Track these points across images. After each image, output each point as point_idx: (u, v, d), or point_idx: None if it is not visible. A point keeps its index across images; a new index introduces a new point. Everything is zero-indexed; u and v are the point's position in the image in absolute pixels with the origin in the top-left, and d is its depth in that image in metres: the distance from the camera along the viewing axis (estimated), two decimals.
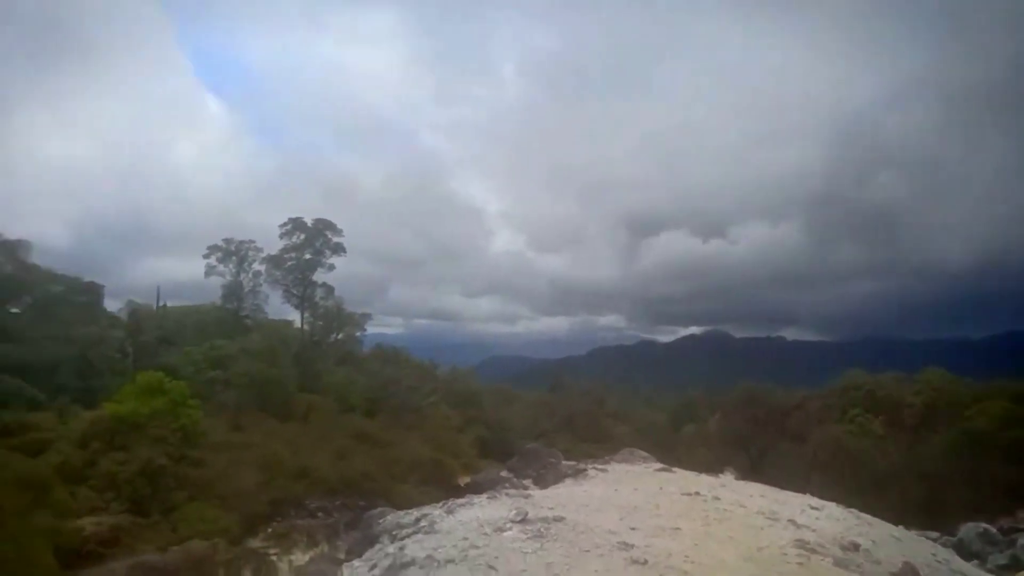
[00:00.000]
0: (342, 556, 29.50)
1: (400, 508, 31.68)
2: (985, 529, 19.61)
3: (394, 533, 12.49)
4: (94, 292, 48.43)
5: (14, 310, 44.81)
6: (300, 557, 28.97)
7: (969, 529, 19.48)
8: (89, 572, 22.07)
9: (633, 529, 11.24)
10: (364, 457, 40.81)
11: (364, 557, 11.84)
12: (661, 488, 14.75)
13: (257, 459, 34.18)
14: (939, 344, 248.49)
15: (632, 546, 10.26)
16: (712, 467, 41.79)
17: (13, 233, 47.85)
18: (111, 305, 53.58)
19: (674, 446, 50.27)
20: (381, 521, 14.17)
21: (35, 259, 47.13)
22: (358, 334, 67.30)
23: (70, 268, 52.10)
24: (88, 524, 25.33)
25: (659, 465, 18.28)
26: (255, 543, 29.51)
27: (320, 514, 32.80)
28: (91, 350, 40.27)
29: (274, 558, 28.39)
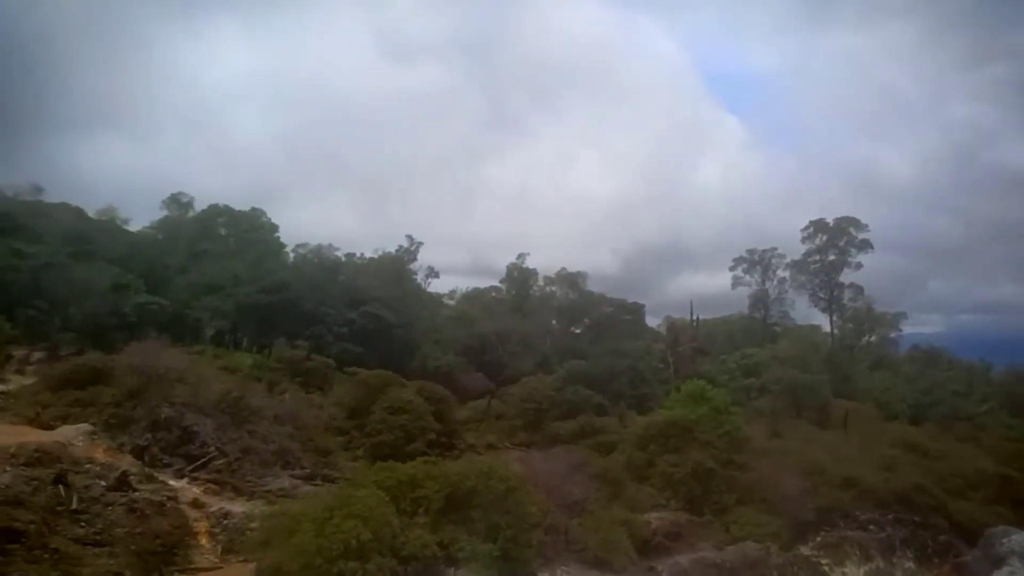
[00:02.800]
0: (899, 574, 27.85)
1: (963, 527, 28.59)
2: None
3: None
4: (637, 311, 55.02)
5: (576, 331, 53.80)
6: (854, 571, 28.14)
7: None
8: (661, 561, 24.93)
9: None
10: (913, 469, 37.72)
11: None
12: None
13: (798, 466, 33.97)
14: None
15: None
16: None
17: (574, 266, 58.12)
18: (651, 321, 60.23)
19: None
20: (1005, 540, 13.29)
21: (590, 286, 56.28)
22: (892, 335, 63.19)
23: (617, 291, 60.40)
24: (653, 518, 28.23)
25: None
26: (805, 551, 29.47)
27: (872, 527, 31.28)
28: (639, 362, 45.69)
29: (826, 568, 28.06)
